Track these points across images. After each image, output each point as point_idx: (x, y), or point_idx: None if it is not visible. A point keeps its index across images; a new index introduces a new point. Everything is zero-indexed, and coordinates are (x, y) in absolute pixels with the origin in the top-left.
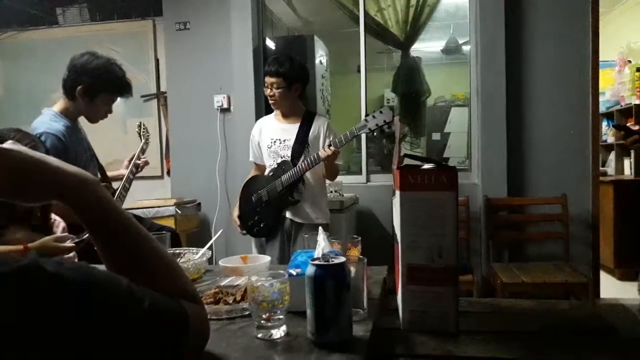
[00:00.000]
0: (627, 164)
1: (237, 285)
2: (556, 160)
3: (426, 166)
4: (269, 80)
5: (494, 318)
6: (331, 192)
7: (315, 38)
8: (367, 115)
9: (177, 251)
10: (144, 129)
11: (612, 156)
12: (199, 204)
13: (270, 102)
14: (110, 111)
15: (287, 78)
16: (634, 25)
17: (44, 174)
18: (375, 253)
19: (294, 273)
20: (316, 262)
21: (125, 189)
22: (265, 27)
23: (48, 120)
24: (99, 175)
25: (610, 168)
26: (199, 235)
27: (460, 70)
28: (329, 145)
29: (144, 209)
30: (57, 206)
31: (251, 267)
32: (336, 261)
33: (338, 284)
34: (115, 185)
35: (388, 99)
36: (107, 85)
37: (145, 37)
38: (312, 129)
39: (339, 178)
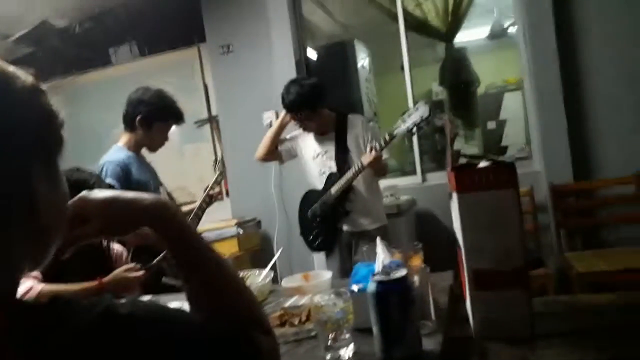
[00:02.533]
0: None
1: (302, 305)
2: (624, 136)
3: (482, 164)
4: (291, 115)
5: (572, 317)
6: (386, 195)
7: (356, 42)
8: (403, 113)
9: (240, 274)
10: (219, 162)
11: None
12: (259, 222)
13: (302, 128)
14: (167, 138)
15: (306, 105)
16: None
17: (124, 207)
18: (439, 256)
19: (356, 289)
20: (377, 277)
21: (198, 216)
22: (305, 38)
23: (112, 152)
24: None
25: None
26: (261, 254)
27: (509, 54)
28: (370, 150)
29: (207, 232)
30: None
31: (313, 286)
32: (398, 275)
33: (402, 298)
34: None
35: (436, 93)
36: (161, 113)
37: (192, 64)
38: (348, 133)
39: (394, 181)
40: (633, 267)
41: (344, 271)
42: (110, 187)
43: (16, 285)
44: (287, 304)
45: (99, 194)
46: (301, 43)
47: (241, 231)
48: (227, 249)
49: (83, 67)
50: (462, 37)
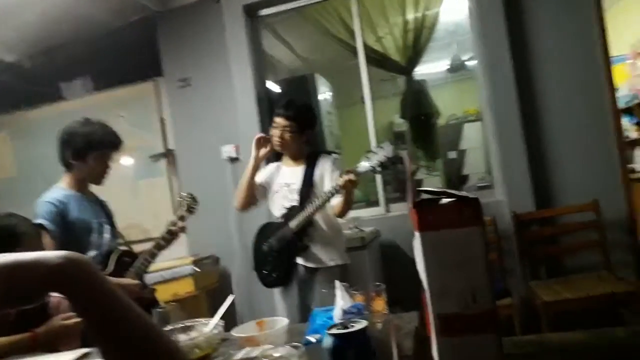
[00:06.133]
0: None
1: (254, 357)
2: (581, 164)
3: (445, 200)
4: (281, 122)
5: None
6: (350, 227)
7: (317, 76)
8: (367, 152)
9: (188, 324)
10: (189, 198)
11: (637, 152)
12: (217, 258)
13: (276, 143)
14: (108, 167)
15: (301, 124)
16: None
17: (24, 273)
18: (404, 290)
19: (313, 340)
20: (334, 330)
21: (152, 255)
22: (265, 71)
23: (49, 192)
24: (116, 245)
25: (638, 164)
26: (219, 290)
27: (469, 85)
28: (348, 172)
29: (162, 272)
30: None
31: (267, 335)
32: (357, 327)
33: (361, 353)
34: None
35: (398, 124)
36: (91, 143)
37: (148, 98)
38: (316, 169)
39: (357, 212)
40: (596, 293)
41: (303, 308)
42: (41, 227)
43: None
44: (238, 356)
45: None
46: (262, 76)
47: (197, 270)
48: (183, 288)
49: (33, 102)
50: (422, 70)
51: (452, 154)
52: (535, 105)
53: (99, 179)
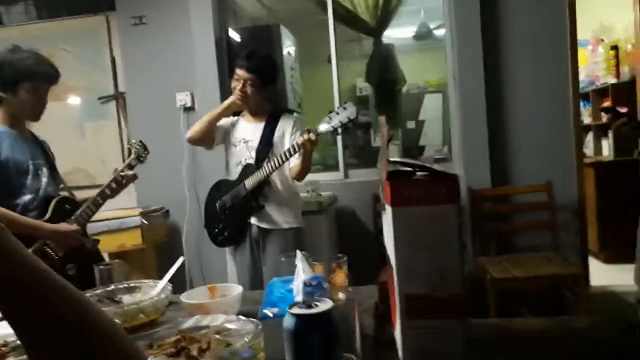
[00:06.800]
0: (605, 145)
1: (204, 326)
2: (539, 145)
3: (420, 174)
4: (243, 74)
5: (508, 347)
6: (307, 191)
7: (282, 27)
8: (330, 112)
9: (132, 285)
10: (140, 146)
11: (589, 137)
12: (167, 211)
13: (237, 96)
14: (44, 101)
15: (263, 77)
16: (605, 3)
17: None
18: (359, 258)
19: (270, 314)
20: (295, 309)
21: (96, 203)
22: (227, 17)
23: None
24: (56, 190)
25: (589, 149)
26: (168, 245)
27: (433, 55)
28: (308, 131)
29: (107, 221)
30: None
31: (219, 303)
32: (321, 307)
33: (325, 338)
34: None
35: (361, 89)
36: (20, 72)
37: (98, 34)
38: (277, 128)
39: (315, 176)
40: (542, 274)
41: (254, 269)
42: None
43: None
44: (186, 325)
45: None
46: (222, 21)
47: (145, 222)
48: (129, 240)
49: None
50: (390, 34)
51: (411, 124)
52: (500, 83)
53: (33, 115)
